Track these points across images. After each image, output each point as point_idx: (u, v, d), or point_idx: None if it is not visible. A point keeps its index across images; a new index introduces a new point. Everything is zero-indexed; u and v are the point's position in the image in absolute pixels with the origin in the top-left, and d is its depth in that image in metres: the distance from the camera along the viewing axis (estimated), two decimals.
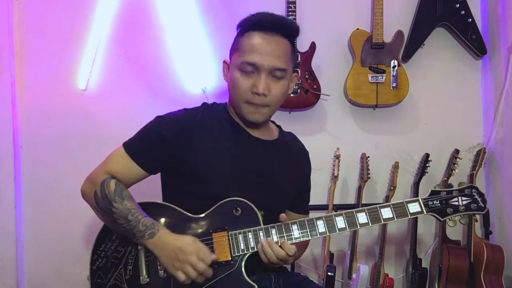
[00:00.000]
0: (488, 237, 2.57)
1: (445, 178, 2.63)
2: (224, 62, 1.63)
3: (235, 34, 1.61)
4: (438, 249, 2.58)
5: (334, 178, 2.61)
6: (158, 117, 1.63)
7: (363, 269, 2.48)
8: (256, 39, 1.51)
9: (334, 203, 2.64)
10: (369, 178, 2.64)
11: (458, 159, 2.61)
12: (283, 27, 1.54)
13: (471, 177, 2.59)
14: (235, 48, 1.57)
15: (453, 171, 2.61)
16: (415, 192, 2.63)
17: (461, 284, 2.48)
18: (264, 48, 1.49)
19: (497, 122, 2.66)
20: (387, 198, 2.64)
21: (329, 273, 2.46)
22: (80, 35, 2.62)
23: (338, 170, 2.61)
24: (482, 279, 2.40)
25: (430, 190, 1.54)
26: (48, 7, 2.63)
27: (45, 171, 2.64)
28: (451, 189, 1.54)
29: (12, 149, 2.57)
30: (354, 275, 2.54)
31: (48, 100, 2.63)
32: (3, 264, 2.56)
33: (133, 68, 2.67)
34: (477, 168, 2.58)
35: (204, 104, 1.68)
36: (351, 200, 2.73)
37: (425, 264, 2.67)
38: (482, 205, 1.53)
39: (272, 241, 1.46)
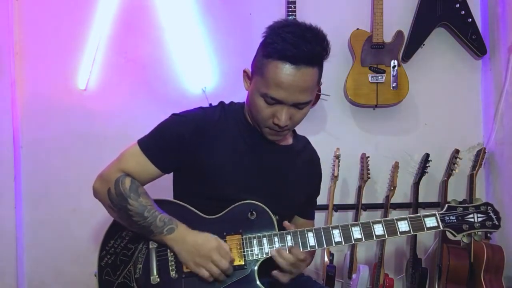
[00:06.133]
0: (488, 237, 2.57)
1: (445, 178, 2.63)
2: (245, 71, 1.53)
3: (262, 39, 1.46)
4: (438, 249, 2.58)
5: (334, 178, 2.62)
6: (174, 115, 1.57)
7: (363, 269, 2.48)
8: (283, 73, 1.38)
9: (334, 203, 2.64)
10: (369, 178, 2.64)
11: (458, 159, 2.62)
12: (313, 57, 1.40)
13: (471, 177, 2.59)
14: (259, 70, 1.44)
15: (453, 171, 2.61)
16: (415, 192, 2.63)
17: (461, 284, 2.48)
18: (290, 84, 1.39)
19: (497, 122, 2.66)
20: (387, 198, 2.63)
21: (329, 273, 2.47)
22: (80, 35, 2.62)
23: (338, 170, 2.61)
24: (482, 279, 2.40)
25: (446, 205, 1.53)
26: (48, 7, 2.63)
27: (45, 171, 2.64)
28: (467, 205, 1.53)
29: (12, 149, 2.57)
30: (354, 275, 2.54)
31: (48, 100, 2.63)
32: (3, 264, 2.56)
33: (133, 68, 2.67)
34: (477, 168, 2.58)
35: (222, 103, 1.63)
36: (351, 200, 2.73)
37: (425, 264, 2.67)
38: (497, 223, 1.52)
39: (281, 249, 1.44)
